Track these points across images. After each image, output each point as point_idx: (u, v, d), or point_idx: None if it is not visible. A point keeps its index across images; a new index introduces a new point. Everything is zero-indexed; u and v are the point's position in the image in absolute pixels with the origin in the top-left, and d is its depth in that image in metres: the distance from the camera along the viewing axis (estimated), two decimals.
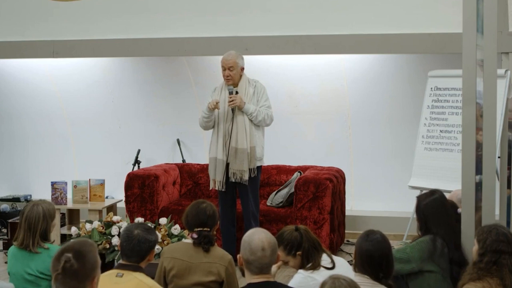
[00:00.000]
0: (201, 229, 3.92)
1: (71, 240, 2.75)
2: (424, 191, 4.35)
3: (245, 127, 5.72)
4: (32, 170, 8.57)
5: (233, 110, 5.74)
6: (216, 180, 5.81)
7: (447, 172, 5.92)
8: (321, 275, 3.60)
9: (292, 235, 3.74)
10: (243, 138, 5.70)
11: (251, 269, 3.17)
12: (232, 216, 5.94)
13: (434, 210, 4.08)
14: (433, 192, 4.22)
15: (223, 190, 5.80)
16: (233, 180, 5.73)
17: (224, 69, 5.80)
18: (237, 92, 5.76)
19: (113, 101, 8.22)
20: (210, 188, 5.96)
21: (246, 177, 5.71)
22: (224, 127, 5.76)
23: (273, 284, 3.17)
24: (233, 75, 5.77)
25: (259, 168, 5.88)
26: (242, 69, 5.84)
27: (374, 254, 3.36)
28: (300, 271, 3.70)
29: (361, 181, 7.55)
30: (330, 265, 3.70)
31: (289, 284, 3.63)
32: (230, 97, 5.73)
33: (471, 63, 4.06)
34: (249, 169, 5.73)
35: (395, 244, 5.36)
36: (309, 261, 3.70)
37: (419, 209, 4.15)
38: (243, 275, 3.26)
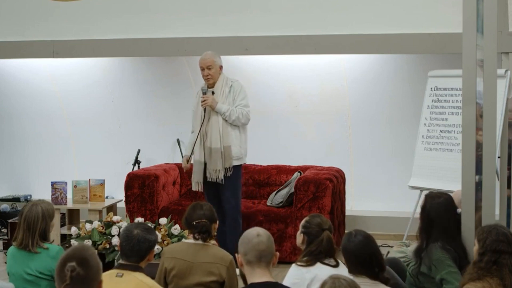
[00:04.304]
0: (199, 220, 3.93)
1: (70, 247, 2.73)
2: (433, 191, 4.34)
3: (219, 126, 5.70)
4: (32, 170, 8.57)
5: (205, 110, 5.75)
6: (193, 181, 5.85)
7: (447, 172, 5.92)
8: (319, 268, 3.62)
9: (314, 229, 3.75)
10: (216, 138, 5.69)
11: (250, 260, 3.15)
12: (220, 215, 5.95)
13: (441, 213, 4.08)
14: (442, 194, 4.22)
15: (201, 190, 5.84)
16: (209, 180, 5.75)
17: (202, 69, 5.79)
18: (213, 93, 5.76)
19: (113, 101, 8.22)
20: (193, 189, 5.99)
21: (221, 176, 5.69)
22: (202, 128, 5.77)
23: (275, 284, 3.17)
24: (212, 74, 5.76)
25: (239, 167, 5.84)
26: (221, 67, 5.82)
27: (360, 255, 3.36)
28: (294, 264, 3.72)
29: (361, 181, 7.54)
30: (330, 262, 3.69)
31: (285, 277, 3.65)
32: (202, 97, 5.74)
33: (471, 63, 4.06)
34: (225, 168, 5.72)
35: (395, 244, 5.37)
36: (306, 256, 3.71)
37: (425, 208, 4.14)
38: (244, 282, 3.24)
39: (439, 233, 4.06)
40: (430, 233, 4.09)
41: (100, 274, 2.67)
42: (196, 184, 5.83)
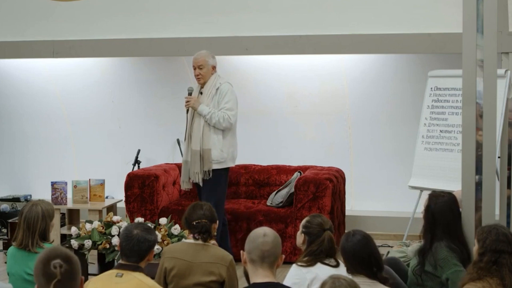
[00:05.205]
0: (199, 220, 3.93)
1: (45, 250, 2.74)
2: (436, 190, 4.34)
3: (200, 129, 5.67)
4: (32, 170, 8.57)
5: (187, 111, 5.74)
6: (180, 180, 5.90)
7: (447, 172, 5.92)
8: (319, 268, 3.62)
9: (315, 229, 3.76)
10: (196, 140, 5.67)
11: (253, 259, 3.13)
12: None
13: (445, 212, 4.08)
14: (445, 193, 4.22)
15: (188, 189, 5.90)
16: (192, 181, 5.76)
17: (194, 69, 5.78)
18: (201, 93, 5.75)
19: (113, 101, 8.22)
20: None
21: (199, 179, 5.67)
22: (187, 129, 5.78)
23: (277, 285, 3.16)
24: (203, 74, 5.72)
25: (220, 170, 5.74)
26: (214, 68, 5.78)
27: (358, 254, 3.37)
28: (294, 264, 3.72)
29: (361, 181, 7.54)
30: (330, 262, 3.69)
31: (286, 277, 3.64)
32: (186, 98, 5.73)
33: (471, 63, 4.06)
34: (204, 171, 5.68)
35: (395, 244, 5.37)
36: (307, 256, 3.72)
37: (430, 208, 4.14)
38: (248, 280, 3.23)
39: (443, 232, 4.06)
40: (435, 232, 4.08)
41: (80, 269, 2.70)
42: (183, 183, 5.85)
